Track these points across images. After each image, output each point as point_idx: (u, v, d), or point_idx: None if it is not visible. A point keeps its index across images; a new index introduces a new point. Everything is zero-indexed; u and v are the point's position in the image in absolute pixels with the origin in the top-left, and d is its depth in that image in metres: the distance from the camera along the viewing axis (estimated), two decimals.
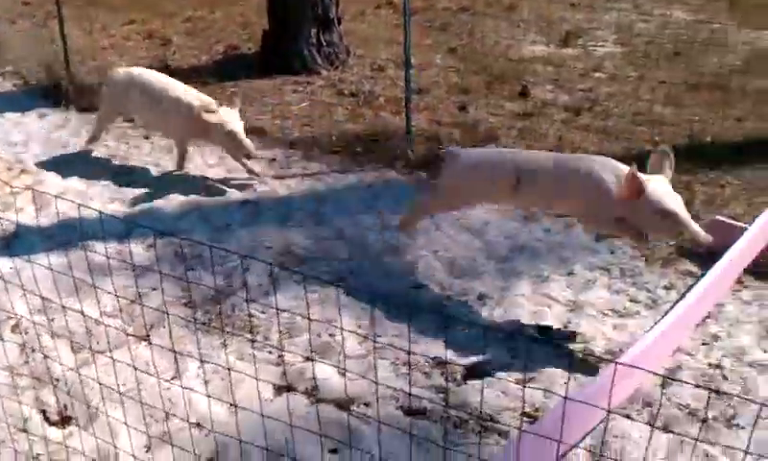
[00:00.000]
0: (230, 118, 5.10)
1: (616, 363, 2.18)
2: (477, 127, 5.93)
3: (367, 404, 3.26)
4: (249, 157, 5.22)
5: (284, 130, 6.08)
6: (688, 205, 4.73)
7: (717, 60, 7.49)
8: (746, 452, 2.12)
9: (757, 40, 8.39)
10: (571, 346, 3.64)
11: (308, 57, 7.26)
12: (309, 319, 2.56)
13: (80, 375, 2.97)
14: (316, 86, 6.97)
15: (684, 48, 7.94)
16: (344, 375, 3.37)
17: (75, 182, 5.31)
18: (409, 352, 2.32)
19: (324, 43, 7.35)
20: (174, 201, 5.03)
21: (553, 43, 8.28)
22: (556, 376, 3.38)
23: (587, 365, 3.49)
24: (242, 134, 5.10)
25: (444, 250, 4.42)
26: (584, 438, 2.98)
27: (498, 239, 4.54)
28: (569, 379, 3.36)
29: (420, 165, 5.41)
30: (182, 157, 5.42)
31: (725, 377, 3.44)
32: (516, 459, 2.17)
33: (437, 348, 3.58)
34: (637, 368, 2.64)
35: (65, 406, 3.24)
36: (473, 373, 3.43)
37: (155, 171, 5.48)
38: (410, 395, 3.12)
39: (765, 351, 3.62)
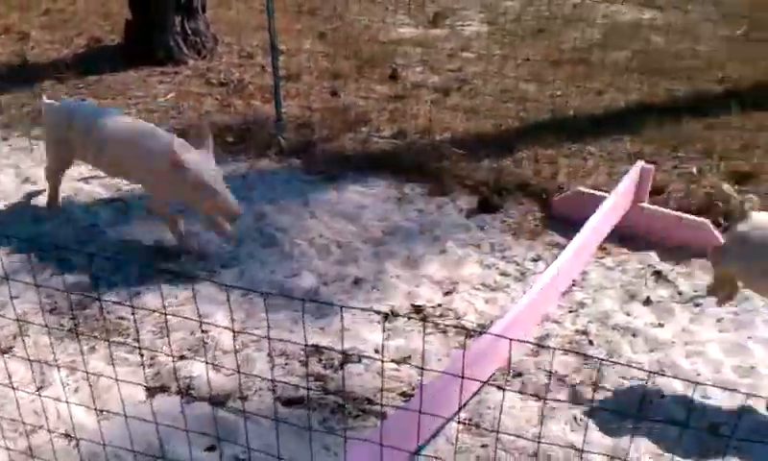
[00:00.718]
0: None
1: (468, 333, 2.23)
2: (348, 111, 5.94)
3: (243, 398, 3.23)
4: None
5: (151, 123, 5.89)
6: (554, 177, 4.95)
7: (578, 35, 7.75)
8: (597, 408, 2.22)
9: (615, 14, 8.75)
10: (445, 323, 3.71)
11: (174, 46, 7.07)
12: (165, 313, 2.51)
13: None
14: (183, 77, 6.80)
15: (547, 25, 8.19)
16: (218, 371, 3.32)
17: None
18: (268, 339, 2.30)
19: (190, 32, 7.17)
20: (36, 204, 4.80)
21: (422, 25, 8.38)
22: (431, 354, 3.45)
23: (460, 340, 3.57)
24: None
25: (318, 237, 4.42)
26: (458, 411, 3.05)
27: (373, 223, 4.57)
28: (424, 352, 3.43)
29: (293, 153, 5.37)
30: None
31: (591, 342, 3.59)
32: (381, 438, 2.20)
33: (314, 335, 3.58)
34: (503, 337, 2.72)
35: None
36: (350, 357, 3.45)
37: (14, 174, 5.21)
38: (274, 383, 3.10)
39: (628, 315, 3.81)
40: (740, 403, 3.14)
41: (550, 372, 3.34)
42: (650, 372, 2.38)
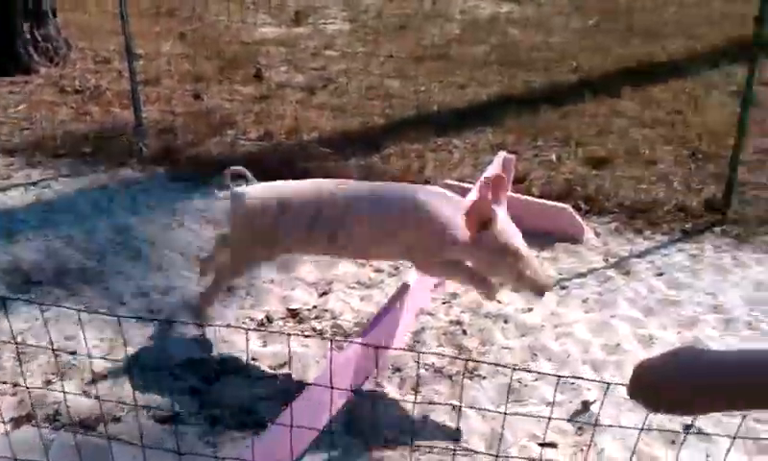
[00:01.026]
0: None
1: (339, 337, 2.22)
2: (213, 114, 5.81)
3: (117, 419, 3.10)
4: None
5: (1, 137, 5.57)
6: (421, 172, 5.02)
7: (438, 31, 7.91)
8: (460, 406, 2.26)
9: (474, 9, 8.99)
10: (322, 324, 3.69)
11: (23, 54, 6.72)
12: (16, 343, 2.37)
13: None
14: (35, 86, 6.47)
15: (408, 21, 8.31)
16: (87, 394, 3.17)
17: None
18: (127, 357, 2.21)
19: (40, 38, 6.83)
20: None
21: (284, 24, 8.33)
22: (308, 358, 3.42)
23: (337, 341, 3.56)
24: None
25: (187, 246, 4.30)
26: (335, 416, 3.04)
27: None
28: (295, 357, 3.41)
29: (156, 160, 5.20)
30: None
31: (465, 332, 3.66)
32: (253, 450, 2.16)
33: (187, 348, 3.47)
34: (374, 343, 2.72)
35: None
36: (226, 368, 3.37)
37: None
38: (136, 404, 2.99)
39: (498, 302, 3.91)
40: (608, 381, 3.28)
41: (417, 363, 3.38)
42: (514, 368, 2.44)
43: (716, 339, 3.64)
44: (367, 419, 3.10)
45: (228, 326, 3.42)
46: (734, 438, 2.13)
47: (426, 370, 3.39)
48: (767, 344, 2.28)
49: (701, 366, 1.48)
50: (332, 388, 2.17)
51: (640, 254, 4.32)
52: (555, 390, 2.59)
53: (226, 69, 6.77)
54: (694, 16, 8.40)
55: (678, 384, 1.48)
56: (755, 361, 1.46)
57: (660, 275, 4.13)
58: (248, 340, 3.01)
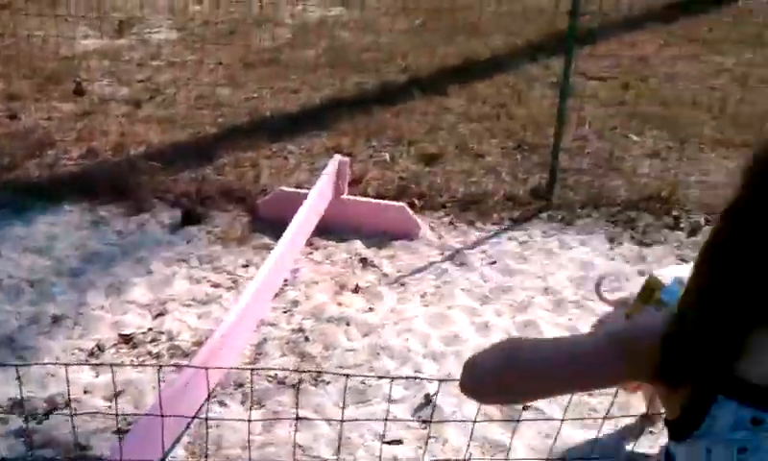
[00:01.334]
0: None
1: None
2: (31, 134, 5.47)
3: None
4: None
5: None
6: (257, 180, 4.95)
7: (269, 36, 7.82)
8: (297, 419, 2.23)
9: (303, 13, 8.96)
10: (158, 348, 3.55)
11: None
12: None
13: None
14: None
15: (237, 26, 8.17)
16: None
17: None
18: None
19: None
20: None
21: (106, 35, 7.96)
22: (145, 384, 3.28)
23: (176, 364, 3.43)
24: None
25: (7, 277, 4.01)
26: (180, 437, 2.94)
27: (68, 252, 4.25)
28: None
29: None
30: None
31: (307, 339, 3.63)
32: None
33: (10, 387, 3.24)
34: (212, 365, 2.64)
35: None
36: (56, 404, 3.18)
37: None
38: None
39: (340, 305, 3.91)
40: (445, 373, 3.36)
41: (251, 380, 3.33)
42: (348, 375, 2.46)
43: (548, 320, 3.80)
44: (210, 439, 3.01)
45: (57, 362, 3.22)
46: (564, 419, 2.22)
47: (270, 381, 3.34)
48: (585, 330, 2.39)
49: (524, 357, 1.52)
50: (162, 416, 2.08)
51: (474, 245, 4.44)
52: (390, 389, 2.61)
53: (44, 86, 6.39)
54: (513, 13, 8.75)
55: (503, 375, 1.51)
56: (570, 348, 1.52)
57: (493, 263, 4.27)
58: (68, 374, 2.83)
